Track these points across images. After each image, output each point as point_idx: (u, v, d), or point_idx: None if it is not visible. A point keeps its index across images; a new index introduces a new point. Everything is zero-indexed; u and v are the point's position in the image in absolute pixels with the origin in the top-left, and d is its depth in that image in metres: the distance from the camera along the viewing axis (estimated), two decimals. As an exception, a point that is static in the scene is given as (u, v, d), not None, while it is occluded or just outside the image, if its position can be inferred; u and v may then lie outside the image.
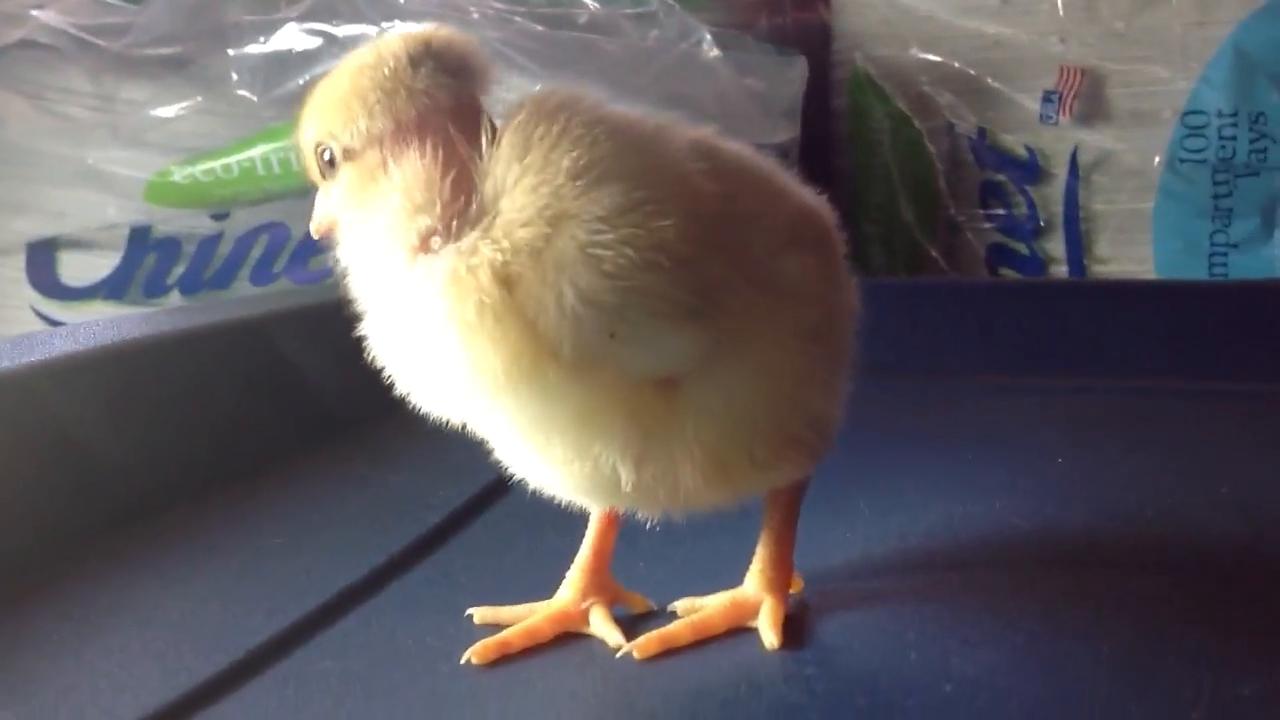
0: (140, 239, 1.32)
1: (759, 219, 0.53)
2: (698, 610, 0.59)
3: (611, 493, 0.53)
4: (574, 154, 0.48)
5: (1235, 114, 1.41)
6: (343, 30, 1.23)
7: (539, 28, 1.27)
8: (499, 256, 0.48)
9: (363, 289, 0.52)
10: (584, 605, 0.59)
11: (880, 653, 0.54)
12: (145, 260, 1.32)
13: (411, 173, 0.50)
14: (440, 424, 0.53)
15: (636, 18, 1.33)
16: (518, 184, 0.48)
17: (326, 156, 0.52)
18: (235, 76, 1.24)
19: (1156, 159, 1.46)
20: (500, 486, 0.76)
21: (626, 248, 0.47)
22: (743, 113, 1.29)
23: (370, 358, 0.52)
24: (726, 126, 1.24)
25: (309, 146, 0.53)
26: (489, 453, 0.55)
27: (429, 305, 0.49)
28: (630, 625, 0.59)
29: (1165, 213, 1.46)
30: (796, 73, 1.36)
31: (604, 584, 0.60)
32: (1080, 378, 1.05)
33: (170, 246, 1.33)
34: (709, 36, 1.31)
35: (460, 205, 0.49)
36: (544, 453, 0.52)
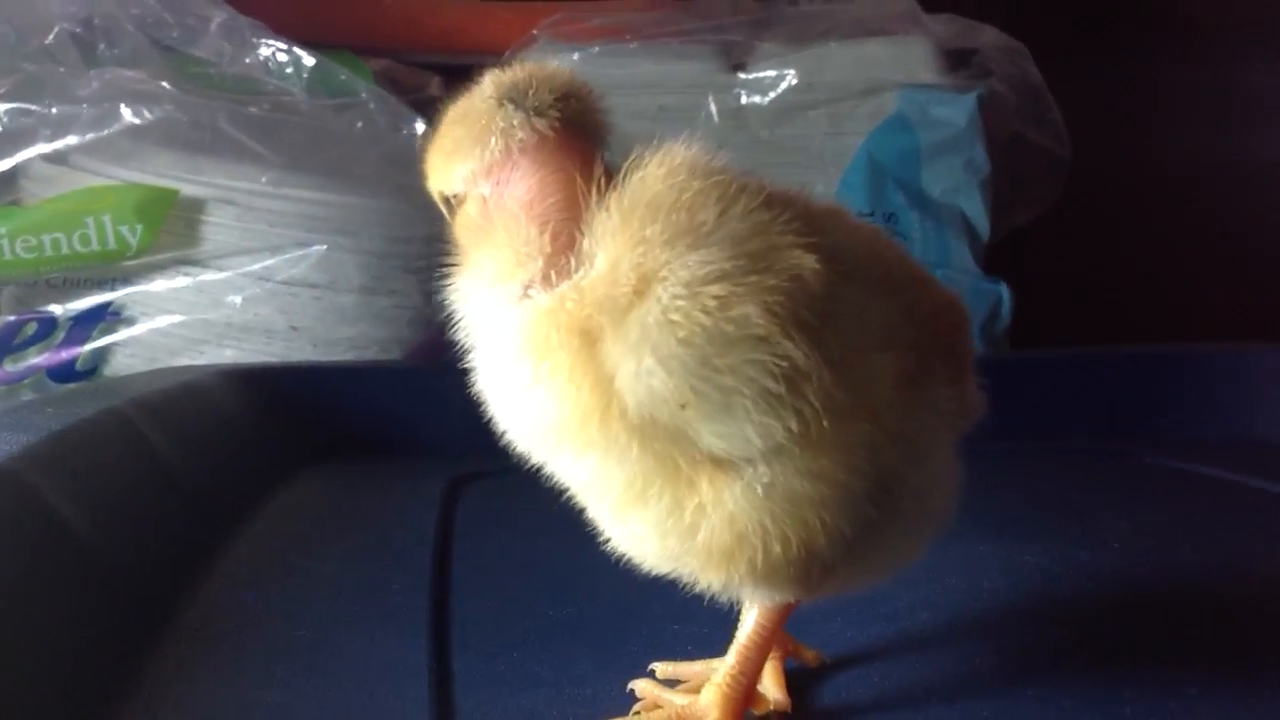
0: None
1: (864, 310, 0.50)
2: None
3: (644, 559, 0.53)
4: (676, 216, 0.48)
5: (872, 213, 1.58)
6: (56, 109, 1.15)
7: (254, 111, 1.25)
8: (582, 309, 0.48)
9: (468, 329, 0.53)
10: None
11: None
12: None
13: (512, 222, 0.51)
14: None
15: (342, 108, 1.33)
16: (616, 238, 0.49)
17: (448, 206, 0.53)
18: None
19: (809, 253, 1.59)
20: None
21: (708, 318, 0.46)
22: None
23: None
24: (435, 220, 1.27)
25: (436, 198, 0.53)
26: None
27: (512, 348, 0.50)
28: (801, 679, 0.60)
29: (814, 301, 1.60)
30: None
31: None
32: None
33: None
34: (422, 127, 1.33)
35: (563, 254, 0.50)
36: (594, 511, 0.53)
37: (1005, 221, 1.72)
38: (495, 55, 1.75)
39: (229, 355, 1.24)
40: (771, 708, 0.57)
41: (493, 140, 0.52)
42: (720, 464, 0.49)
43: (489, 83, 0.53)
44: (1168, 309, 1.89)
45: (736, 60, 1.64)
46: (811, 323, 0.47)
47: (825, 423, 0.48)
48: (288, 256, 1.24)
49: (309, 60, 1.34)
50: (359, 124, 1.32)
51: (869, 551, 0.52)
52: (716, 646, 0.61)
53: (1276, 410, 1.21)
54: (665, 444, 0.48)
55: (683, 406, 0.47)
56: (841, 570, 0.53)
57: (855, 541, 0.50)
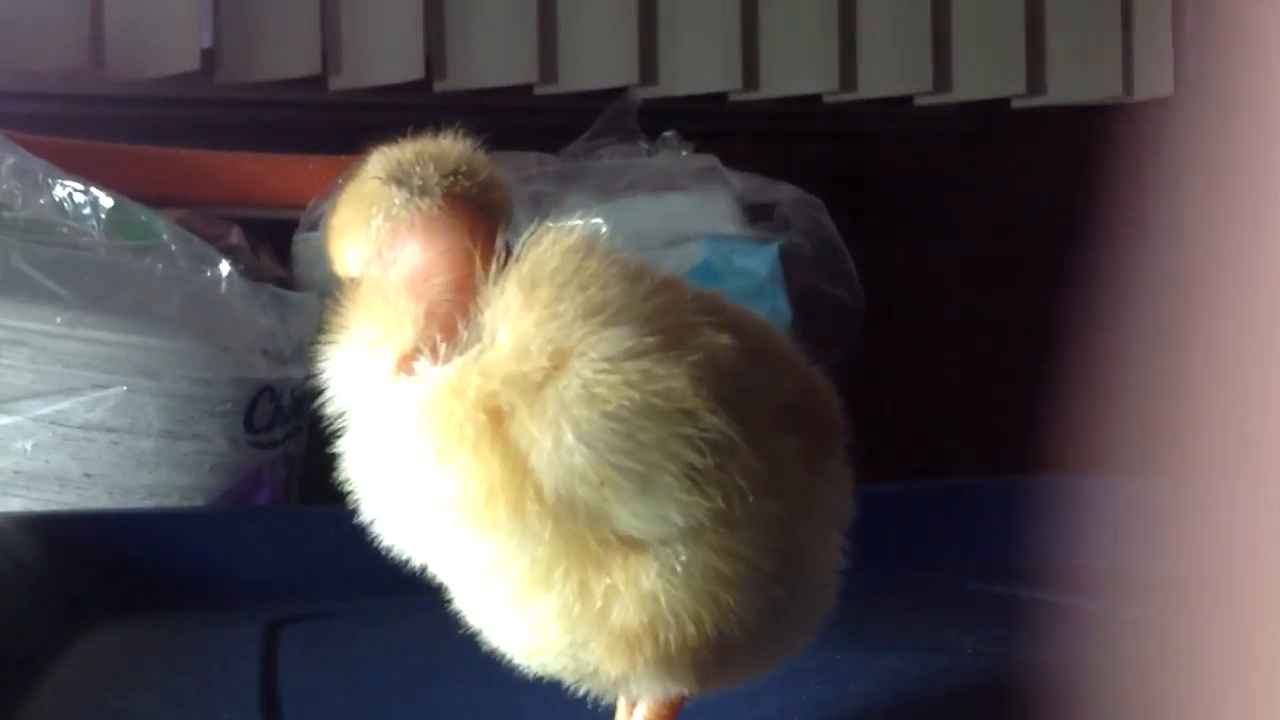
0: None
1: (760, 386, 0.50)
2: None
3: (538, 653, 0.51)
4: (588, 292, 0.48)
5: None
6: None
7: (50, 251, 1.20)
8: (489, 385, 0.47)
9: (341, 408, 0.50)
10: None
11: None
12: None
13: (389, 291, 0.49)
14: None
15: (142, 249, 1.29)
16: (521, 316, 0.48)
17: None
18: None
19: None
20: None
21: (636, 391, 0.46)
22: (273, 350, 1.28)
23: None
24: (242, 362, 1.23)
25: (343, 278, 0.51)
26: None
27: (406, 427, 0.48)
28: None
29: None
30: (311, 310, 1.36)
31: None
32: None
33: None
34: (228, 269, 1.29)
35: (449, 329, 0.48)
36: (488, 603, 0.51)
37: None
38: (298, 208, 1.73)
39: (15, 505, 1.16)
40: None
41: (374, 222, 0.51)
42: (634, 544, 0.47)
43: (376, 162, 0.52)
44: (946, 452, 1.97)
45: (545, 211, 1.65)
46: (731, 398, 0.47)
47: (751, 499, 0.47)
48: (84, 399, 1.17)
49: (107, 201, 1.29)
50: (160, 266, 1.28)
51: (770, 635, 0.51)
52: (578, 767, 0.59)
53: (1077, 534, 1.25)
54: (579, 525, 0.47)
55: (601, 484, 0.46)
56: (739, 657, 0.51)
57: (760, 624, 0.49)
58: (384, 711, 0.73)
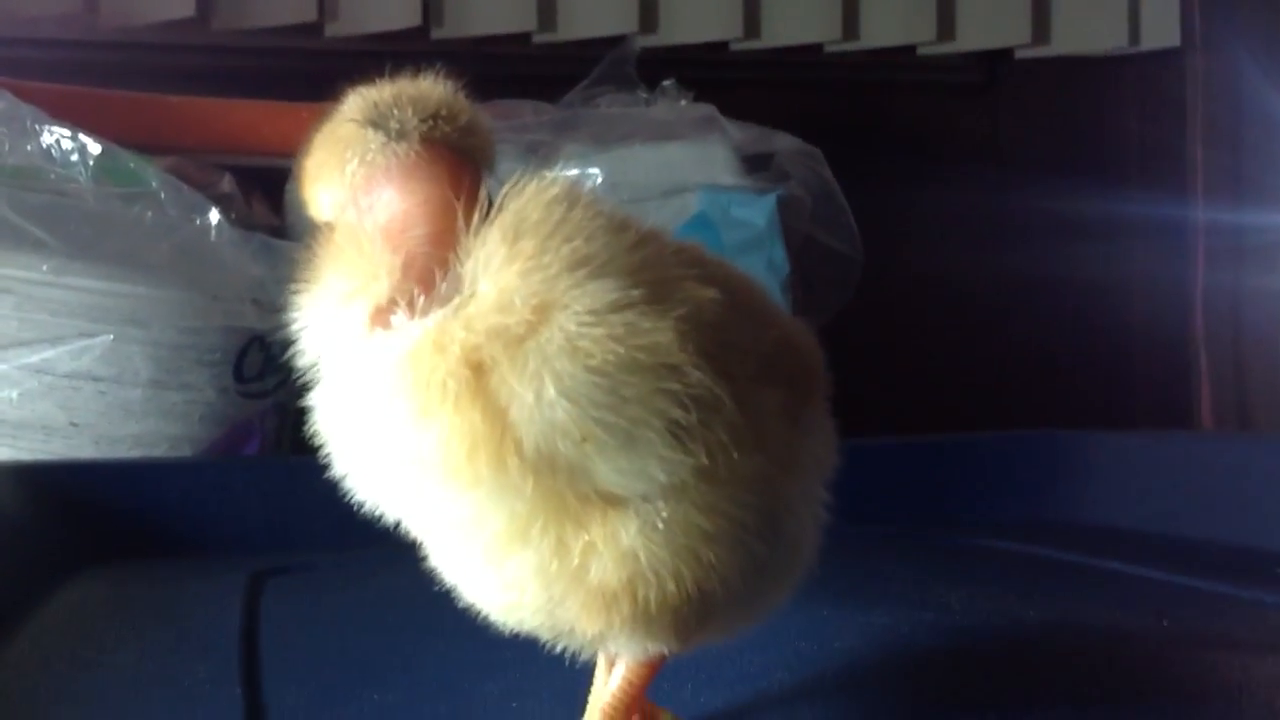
0: None
1: (742, 340, 0.48)
2: None
3: (514, 610, 0.50)
4: (573, 244, 0.46)
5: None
6: None
7: (37, 197, 1.18)
8: (472, 339, 0.45)
9: (313, 360, 0.49)
10: None
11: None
12: None
13: (364, 241, 0.47)
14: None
15: (131, 196, 1.27)
16: (504, 268, 0.46)
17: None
18: None
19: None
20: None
21: (621, 345, 0.44)
22: (264, 299, 1.26)
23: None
24: (232, 311, 1.21)
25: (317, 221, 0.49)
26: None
27: (385, 382, 0.46)
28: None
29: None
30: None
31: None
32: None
33: None
34: (217, 217, 1.28)
35: (426, 281, 0.47)
36: (463, 559, 0.50)
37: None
38: (292, 155, 1.70)
39: (0, 454, 1.15)
40: None
41: (349, 167, 0.48)
42: (614, 500, 0.46)
43: (352, 103, 0.50)
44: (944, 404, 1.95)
45: (541, 161, 1.63)
46: (715, 353, 0.46)
47: (734, 454, 0.46)
48: (70, 348, 1.16)
49: (95, 148, 1.27)
50: (149, 214, 1.26)
51: (751, 592, 0.50)
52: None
53: (1065, 490, 1.25)
54: (559, 481, 0.45)
55: (583, 440, 0.44)
56: (720, 615, 0.50)
57: (742, 581, 0.48)
58: (363, 666, 0.72)
